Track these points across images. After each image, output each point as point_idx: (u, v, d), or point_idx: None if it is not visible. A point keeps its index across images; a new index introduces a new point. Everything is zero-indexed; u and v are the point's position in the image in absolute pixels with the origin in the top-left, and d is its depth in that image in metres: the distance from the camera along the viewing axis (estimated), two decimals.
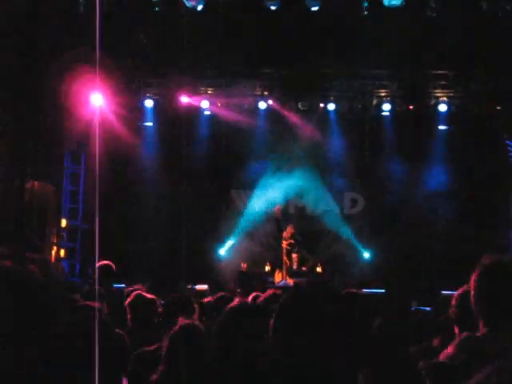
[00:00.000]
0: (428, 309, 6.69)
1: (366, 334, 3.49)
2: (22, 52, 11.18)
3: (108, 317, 3.82)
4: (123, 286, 10.32)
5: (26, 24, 10.77)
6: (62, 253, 13.53)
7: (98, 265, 6.11)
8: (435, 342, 3.72)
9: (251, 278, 12.83)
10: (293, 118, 14.15)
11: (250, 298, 5.47)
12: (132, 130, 14.48)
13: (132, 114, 14.17)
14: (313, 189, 14.86)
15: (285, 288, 12.20)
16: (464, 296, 3.19)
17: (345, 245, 14.65)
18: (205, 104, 14.07)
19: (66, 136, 13.98)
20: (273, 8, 11.54)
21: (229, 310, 3.41)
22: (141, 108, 14.23)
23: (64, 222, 13.79)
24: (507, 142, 13.73)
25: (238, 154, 14.43)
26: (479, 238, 12.90)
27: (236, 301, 3.94)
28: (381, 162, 14.30)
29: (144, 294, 5.18)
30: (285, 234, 13.01)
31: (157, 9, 11.70)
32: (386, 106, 13.87)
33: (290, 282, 12.51)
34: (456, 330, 3.17)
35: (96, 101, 12.99)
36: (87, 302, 3.91)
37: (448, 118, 13.97)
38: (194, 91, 14.04)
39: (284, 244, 12.88)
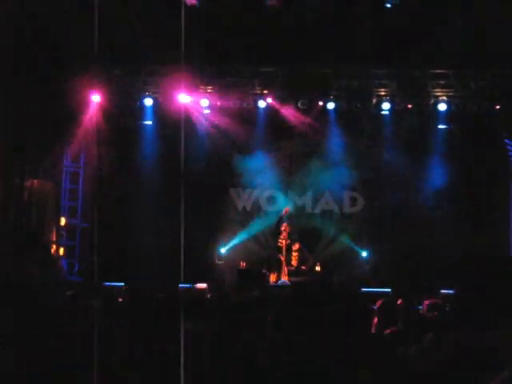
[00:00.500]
0: None
1: (365, 333, 3.49)
2: (22, 51, 11.18)
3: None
4: (122, 284, 10.35)
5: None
6: (61, 251, 13.54)
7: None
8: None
9: (250, 277, 12.82)
10: (292, 116, 14.14)
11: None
12: (131, 128, 14.51)
13: (131, 112, 14.19)
14: (312, 187, 14.87)
15: (283, 287, 12.22)
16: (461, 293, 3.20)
17: (344, 244, 14.66)
18: (204, 103, 14.06)
19: (66, 135, 13.99)
20: (273, 6, 11.54)
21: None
22: (140, 106, 14.22)
23: (63, 221, 13.80)
24: (506, 140, 13.72)
25: (237, 152, 14.43)
26: (479, 237, 12.91)
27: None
28: (380, 161, 14.29)
29: None
30: (282, 232, 13.02)
31: (156, 7, 11.69)
32: (386, 105, 13.86)
33: (288, 280, 12.52)
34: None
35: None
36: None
37: (447, 116, 13.97)
38: (193, 90, 14.03)
39: (280, 242, 12.88)
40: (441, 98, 13.72)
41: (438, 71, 13.64)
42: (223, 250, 14.53)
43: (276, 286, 12.50)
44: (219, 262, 14.38)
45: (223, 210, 14.75)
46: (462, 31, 11.93)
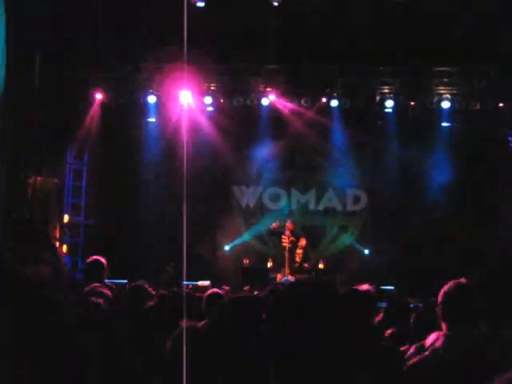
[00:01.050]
0: None
1: (366, 332, 3.49)
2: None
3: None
4: (125, 281, 10.35)
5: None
6: (65, 248, 13.56)
7: (89, 260, 6.13)
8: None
9: (253, 274, 12.81)
10: (296, 114, 14.13)
11: None
12: (134, 125, 14.52)
13: (134, 109, 14.20)
14: (315, 185, 14.88)
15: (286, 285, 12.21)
16: (448, 293, 3.20)
17: (347, 241, 14.67)
18: (208, 100, 14.06)
19: (70, 132, 14.02)
20: (275, 4, 11.53)
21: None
22: (143, 104, 14.22)
23: (66, 218, 13.82)
24: (510, 138, 13.70)
25: (240, 149, 14.44)
26: (483, 235, 12.89)
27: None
28: (384, 158, 14.28)
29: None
30: (286, 231, 12.99)
31: (159, 4, 11.69)
32: (389, 103, 13.85)
33: (292, 278, 12.50)
34: (443, 326, 3.17)
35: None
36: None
37: (451, 114, 13.95)
38: (196, 87, 14.03)
39: (283, 240, 12.85)
40: (444, 95, 13.70)
41: (442, 69, 13.61)
42: (226, 248, 14.55)
43: (280, 284, 12.49)
44: (222, 259, 14.38)
45: (226, 208, 14.76)
46: (465, 29, 11.91)
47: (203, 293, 5.72)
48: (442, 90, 13.73)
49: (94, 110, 14.08)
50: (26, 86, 11.77)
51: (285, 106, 14.08)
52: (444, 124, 14.12)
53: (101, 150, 14.57)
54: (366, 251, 14.45)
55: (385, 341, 3.77)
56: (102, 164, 14.61)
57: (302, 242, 12.80)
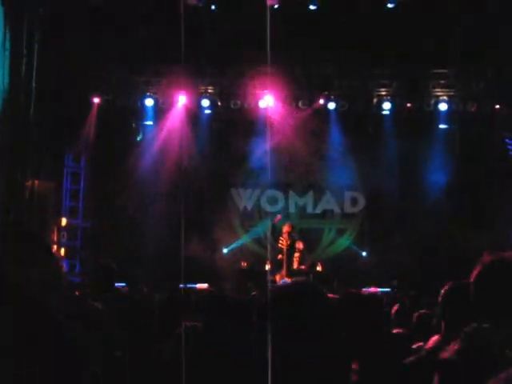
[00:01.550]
0: None
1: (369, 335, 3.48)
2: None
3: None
4: (123, 284, 10.34)
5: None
6: (62, 251, 13.54)
7: (99, 265, 6.09)
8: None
9: (251, 277, 12.80)
10: (293, 116, 14.14)
11: None
12: (132, 128, 14.53)
13: (132, 112, 14.22)
14: (313, 187, 14.89)
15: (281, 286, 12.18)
16: (449, 293, 3.21)
17: (345, 244, 14.68)
18: (205, 103, 14.06)
19: (67, 135, 14.01)
20: (274, 6, 11.56)
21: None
22: (141, 107, 14.23)
23: (64, 221, 13.81)
24: (507, 140, 13.72)
25: (238, 152, 14.43)
26: (480, 236, 12.90)
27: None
28: (381, 160, 14.29)
29: None
30: (282, 233, 12.98)
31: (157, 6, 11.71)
32: (387, 105, 13.87)
33: (289, 281, 12.49)
34: (442, 326, 3.18)
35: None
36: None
37: (448, 116, 13.98)
38: (194, 90, 14.05)
39: (281, 243, 12.83)
40: (441, 97, 13.73)
41: (439, 71, 13.65)
42: (224, 250, 14.54)
43: (276, 287, 12.46)
44: (220, 262, 14.37)
45: (224, 210, 14.75)
46: (462, 31, 11.94)
47: (201, 295, 5.74)
48: (439, 92, 13.77)
49: (92, 113, 14.09)
50: (24, 88, 11.76)
51: (282, 108, 14.09)
52: (441, 126, 14.15)
53: (98, 153, 14.57)
54: (364, 253, 14.46)
55: (386, 342, 3.76)
56: (99, 167, 14.60)
57: (300, 245, 12.79)
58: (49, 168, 13.47)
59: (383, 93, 13.94)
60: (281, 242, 12.83)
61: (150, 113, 14.41)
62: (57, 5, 10.96)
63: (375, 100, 13.98)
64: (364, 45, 12.54)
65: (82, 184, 14.52)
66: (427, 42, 12.30)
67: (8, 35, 10.55)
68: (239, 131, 14.22)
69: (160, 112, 14.33)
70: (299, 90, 13.98)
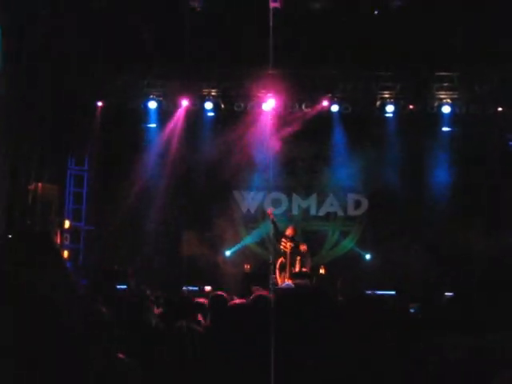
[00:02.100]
0: None
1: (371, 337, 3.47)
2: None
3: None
4: (125, 287, 10.35)
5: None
6: (66, 254, 13.55)
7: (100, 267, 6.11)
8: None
9: (254, 280, 12.78)
10: (296, 119, 14.14)
11: None
12: (135, 131, 14.54)
13: (135, 115, 14.23)
14: (316, 190, 14.88)
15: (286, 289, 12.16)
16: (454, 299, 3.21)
17: (348, 246, 14.66)
18: (208, 105, 14.07)
19: (71, 137, 14.04)
20: (276, 7, 11.55)
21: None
22: (144, 109, 14.24)
23: (67, 224, 13.82)
24: (510, 143, 13.71)
25: (241, 154, 14.42)
26: (483, 238, 12.88)
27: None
28: (384, 163, 14.27)
29: None
30: (287, 235, 12.95)
31: (160, 9, 11.72)
32: (390, 108, 13.86)
33: (292, 283, 12.47)
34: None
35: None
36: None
37: (451, 119, 13.96)
38: (197, 93, 14.06)
39: (284, 246, 12.81)
40: (445, 100, 13.72)
41: (442, 73, 13.64)
42: (227, 253, 14.53)
43: (280, 289, 12.44)
44: (223, 265, 14.36)
45: (227, 213, 14.73)
46: (466, 33, 11.93)
47: (205, 298, 5.73)
48: (442, 94, 13.75)
49: (96, 116, 14.11)
50: (27, 91, 11.78)
51: (285, 110, 14.10)
52: (445, 129, 14.13)
53: (102, 155, 14.59)
54: (367, 256, 14.44)
55: (389, 344, 3.75)
56: (103, 170, 14.62)
57: (303, 247, 12.75)
58: (52, 171, 13.49)
59: (386, 95, 13.93)
60: (283, 244, 12.81)
61: (154, 115, 14.43)
62: (58, 7, 10.97)
63: (378, 102, 13.97)
64: (367, 47, 12.53)
65: (85, 187, 14.54)
66: (431, 45, 12.28)
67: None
68: (242, 133, 14.22)
69: (163, 115, 14.35)
70: (302, 93, 13.99)
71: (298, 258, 12.61)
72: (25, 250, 2.13)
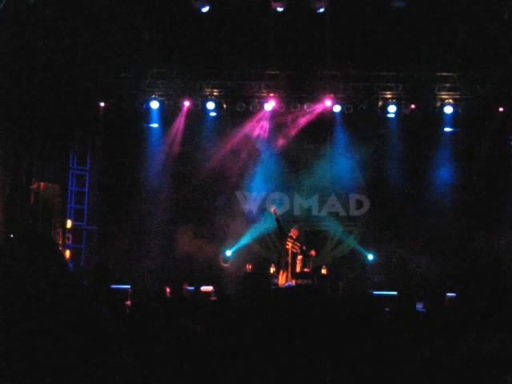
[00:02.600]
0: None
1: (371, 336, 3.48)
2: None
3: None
4: (128, 286, 10.35)
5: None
6: (68, 253, 13.56)
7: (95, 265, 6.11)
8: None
9: (256, 280, 12.78)
10: (298, 119, 14.15)
11: None
12: (137, 131, 14.54)
13: (137, 115, 14.24)
14: (318, 190, 14.87)
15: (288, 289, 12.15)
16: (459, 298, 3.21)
17: (350, 246, 14.65)
18: (210, 105, 14.08)
19: (72, 138, 14.05)
20: (279, 10, 11.56)
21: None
22: (146, 109, 14.24)
23: (69, 223, 13.83)
24: (511, 143, 13.71)
25: (243, 154, 14.43)
26: (484, 237, 12.88)
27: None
28: (386, 163, 14.28)
29: None
30: (291, 236, 12.94)
31: (163, 10, 11.73)
32: (392, 108, 13.86)
33: (294, 283, 12.46)
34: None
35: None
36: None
37: (453, 119, 13.96)
38: (199, 93, 14.06)
39: (289, 246, 12.79)
40: (447, 100, 13.72)
41: (444, 74, 13.63)
42: (229, 253, 14.53)
43: (282, 289, 12.43)
44: (225, 265, 14.37)
45: (229, 213, 14.73)
46: (468, 34, 11.93)
47: (207, 297, 5.75)
48: (444, 95, 13.75)
49: (98, 116, 14.13)
50: (29, 91, 11.80)
51: (288, 111, 14.11)
52: (446, 129, 14.13)
53: (104, 155, 14.60)
54: (369, 255, 14.44)
55: (390, 344, 3.75)
56: (104, 169, 14.63)
57: (313, 253, 12.69)
58: (54, 170, 13.51)
59: (388, 96, 13.93)
60: (288, 243, 12.82)
61: (156, 115, 14.43)
62: (61, 7, 10.98)
63: (380, 103, 13.97)
64: (370, 47, 12.54)
65: (87, 186, 14.56)
66: (433, 45, 12.28)
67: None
68: (244, 134, 14.22)
69: (165, 114, 14.35)
70: (305, 93, 13.99)
71: (299, 257, 12.60)
72: (26, 251, 2.14)
